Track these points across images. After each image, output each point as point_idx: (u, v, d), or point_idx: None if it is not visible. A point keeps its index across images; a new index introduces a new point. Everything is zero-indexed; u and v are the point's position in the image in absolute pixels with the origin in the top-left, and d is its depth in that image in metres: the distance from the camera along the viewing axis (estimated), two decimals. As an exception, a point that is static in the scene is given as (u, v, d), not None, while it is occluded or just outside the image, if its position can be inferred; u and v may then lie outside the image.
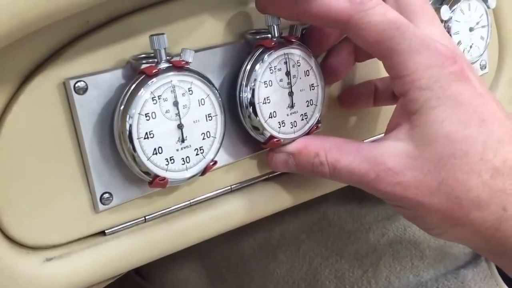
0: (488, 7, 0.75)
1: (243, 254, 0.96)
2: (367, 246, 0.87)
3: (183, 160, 0.54)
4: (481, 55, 0.76)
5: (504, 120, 0.54)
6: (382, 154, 0.54)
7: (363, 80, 0.71)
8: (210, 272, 1.00)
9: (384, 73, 0.58)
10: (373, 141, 0.57)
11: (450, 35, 0.72)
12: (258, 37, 0.60)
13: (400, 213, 0.57)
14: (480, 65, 0.79)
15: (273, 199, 0.66)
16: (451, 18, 0.72)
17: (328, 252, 0.88)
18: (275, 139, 0.60)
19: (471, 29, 0.74)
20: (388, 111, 0.63)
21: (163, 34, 0.52)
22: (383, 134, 0.71)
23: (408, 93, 0.54)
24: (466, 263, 0.81)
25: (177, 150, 0.54)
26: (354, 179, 0.56)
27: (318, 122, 0.64)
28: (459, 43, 0.73)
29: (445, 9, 0.70)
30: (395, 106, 0.58)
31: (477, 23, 0.74)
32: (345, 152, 0.56)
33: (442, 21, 0.71)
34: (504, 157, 0.52)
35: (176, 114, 0.53)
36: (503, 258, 0.56)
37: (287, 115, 0.60)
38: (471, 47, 0.74)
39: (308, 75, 0.61)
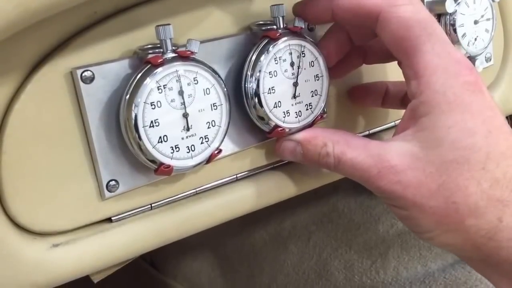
0: (493, 0, 0.75)
1: (255, 245, 0.97)
2: (376, 237, 0.87)
3: (188, 149, 0.55)
4: (486, 47, 0.76)
5: (509, 135, 0.54)
6: (387, 152, 0.55)
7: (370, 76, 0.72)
8: (223, 263, 1.01)
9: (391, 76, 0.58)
10: (382, 140, 0.58)
11: (455, 28, 0.72)
12: (263, 28, 0.61)
13: (395, 214, 0.57)
14: (485, 57, 0.78)
15: (278, 188, 0.66)
16: (456, 11, 0.72)
17: (338, 243, 0.89)
18: (280, 129, 0.61)
19: (476, 22, 0.74)
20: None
21: (169, 24, 0.53)
22: (388, 125, 0.72)
23: (422, 95, 0.54)
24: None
25: (182, 138, 0.55)
26: (357, 174, 0.56)
27: (323, 112, 0.64)
28: (464, 35, 0.73)
29: (450, 2, 0.70)
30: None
31: (482, 16, 0.74)
32: (352, 146, 0.57)
33: (447, 13, 0.71)
34: (505, 170, 0.52)
35: (181, 103, 0.54)
36: (493, 269, 0.55)
37: (292, 105, 0.61)
38: (475, 39, 0.74)
39: (313, 66, 0.62)
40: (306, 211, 0.95)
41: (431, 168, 0.53)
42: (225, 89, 0.57)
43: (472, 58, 0.75)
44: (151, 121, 0.53)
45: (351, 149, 0.57)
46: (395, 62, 0.60)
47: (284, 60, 0.60)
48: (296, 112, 0.62)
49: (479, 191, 0.52)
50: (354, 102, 0.71)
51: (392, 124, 0.76)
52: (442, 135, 0.53)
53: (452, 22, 0.72)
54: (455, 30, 0.72)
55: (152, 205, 0.59)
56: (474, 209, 0.52)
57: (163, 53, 0.53)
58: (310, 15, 0.61)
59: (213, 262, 1.03)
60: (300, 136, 0.61)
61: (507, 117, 0.86)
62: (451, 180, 0.52)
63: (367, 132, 0.74)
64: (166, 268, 1.13)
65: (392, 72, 0.73)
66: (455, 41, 0.73)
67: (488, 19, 0.75)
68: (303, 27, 0.61)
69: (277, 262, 0.93)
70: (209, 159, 0.57)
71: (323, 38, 0.65)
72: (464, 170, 0.52)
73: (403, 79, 0.58)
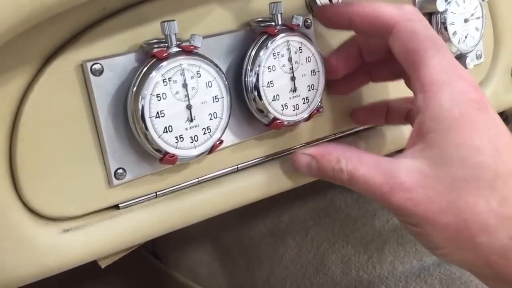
0: (483, 0, 0.78)
1: (254, 238, 0.98)
2: (373, 232, 0.89)
3: (192, 139, 0.57)
4: (476, 45, 0.78)
5: None
6: (397, 169, 0.55)
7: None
8: (222, 255, 1.03)
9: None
10: (392, 157, 0.58)
11: (446, 26, 0.74)
12: (262, 25, 0.63)
13: (408, 231, 0.57)
14: (476, 55, 0.80)
15: (278, 179, 0.68)
16: (446, 9, 0.74)
17: (335, 238, 0.90)
18: (278, 121, 0.63)
19: (466, 20, 0.76)
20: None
21: (173, 20, 0.55)
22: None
23: (428, 109, 0.55)
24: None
25: (186, 129, 0.57)
26: (369, 190, 0.57)
27: (320, 106, 0.67)
28: (454, 33, 0.75)
29: (440, 1, 0.73)
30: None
31: (472, 15, 0.76)
32: (364, 163, 0.57)
33: (438, 12, 0.74)
34: None
35: (185, 95, 0.56)
36: (506, 287, 0.55)
37: (290, 98, 0.63)
38: (466, 37, 0.76)
39: (309, 61, 0.64)
40: (304, 206, 0.96)
41: (440, 186, 0.53)
42: (226, 83, 0.59)
43: (462, 56, 0.77)
44: (157, 112, 0.55)
45: (363, 166, 0.57)
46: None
47: (282, 56, 0.62)
48: (293, 106, 0.64)
49: (488, 209, 0.52)
50: (357, 123, 0.73)
51: (387, 119, 0.77)
52: (450, 153, 0.53)
53: (443, 20, 0.74)
54: (446, 28, 0.74)
55: (157, 193, 0.61)
56: (484, 227, 0.52)
57: (168, 47, 0.55)
58: (329, 20, 0.64)
59: (213, 254, 1.04)
60: (314, 151, 0.62)
61: (499, 114, 0.88)
62: (460, 198, 0.53)
63: (362, 127, 0.76)
64: (168, 258, 1.14)
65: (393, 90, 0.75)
66: (446, 39, 0.74)
67: (478, 18, 0.77)
68: (300, 24, 0.63)
69: (276, 255, 0.94)
70: (211, 149, 0.59)
71: (335, 50, 0.68)
72: (472, 188, 0.52)
73: (402, 94, 0.60)
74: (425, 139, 0.55)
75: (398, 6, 0.59)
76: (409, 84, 0.65)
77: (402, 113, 0.69)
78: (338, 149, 0.60)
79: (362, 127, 0.76)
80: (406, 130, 0.71)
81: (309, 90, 0.65)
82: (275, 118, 0.63)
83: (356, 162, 0.58)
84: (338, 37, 0.71)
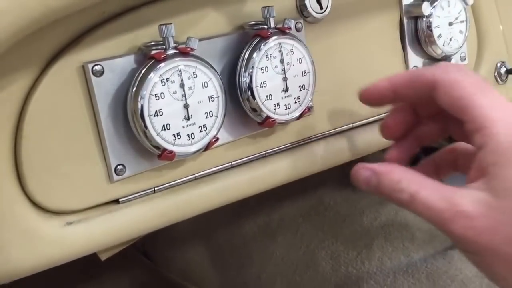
0: (466, 4, 0.80)
1: (245, 237, 1.00)
2: (361, 229, 0.90)
3: (189, 136, 0.59)
4: (460, 47, 0.81)
5: None
6: (460, 197, 0.54)
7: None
8: (213, 254, 1.04)
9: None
10: (453, 187, 0.57)
11: (431, 29, 0.77)
12: (255, 28, 0.65)
13: (469, 259, 0.56)
14: (460, 57, 0.83)
15: (271, 175, 0.70)
16: (432, 13, 0.77)
17: (325, 235, 0.92)
18: (271, 119, 0.65)
19: (450, 24, 0.78)
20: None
21: (171, 23, 0.57)
22: (371, 119, 0.75)
23: (487, 144, 0.54)
24: (453, 244, 0.80)
25: (183, 127, 0.59)
26: (430, 214, 0.55)
27: (311, 106, 0.69)
28: (439, 36, 0.77)
29: (426, 5, 0.76)
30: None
31: (456, 18, 0.79)
32: (425, 187, 0.56)
33: (424, 16, 0.77)
34: None
35: (182, 95, 0.58)
36: None
37: (282, 98, 0.66)
38: (450, 40, 0.79)
39: (300, 63, 0.66)
40: (294, 204, 0.98)
41: (504, 217, 0.52)
42: (221, 83, 0.61)
43: (447, 58, 0.80)
44: (156, 111, 0.57)
45: (424, 189, 0.56)
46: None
47: (275, 57, 0.64)
48: (285, 105, 0.66)
49: None
50: None
51: (375, 118, 0.79)
52: None
53: (428, 24, 0.77)
54: (431, 31, 0.77)
55: (155, 188, 0.63)
56: None
57: (166, 49, 0.58)
58: (375, 101, 0.65)
59: (204, 253, 1.05)
60: (378, 167, 0.61)
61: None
62: None
63: (351, 125, 0.77)
64: (159, 258, 1.15)
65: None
66: (431, 41, 0.77)
67: (462, 21, 0.80)
68: (292, 27, 0.66)
69: (266, 253, 0.95)
70: (207, 147, 0.61)
71: (389, 112, 0.68)
72: None
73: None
74: (486, 172, 0.54)
75: (434, 65, 0.60)
76: (458, 135, 0.66)
77: (451, 163, 0.69)
78: (400, 170, 0.60)
79: (350, 126, 0.78)
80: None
81: (300, 90, 0.67)
82: (268, 117, 0.65)
83: (417, 185, 0.57)
84: (328, 40, 0.74)
